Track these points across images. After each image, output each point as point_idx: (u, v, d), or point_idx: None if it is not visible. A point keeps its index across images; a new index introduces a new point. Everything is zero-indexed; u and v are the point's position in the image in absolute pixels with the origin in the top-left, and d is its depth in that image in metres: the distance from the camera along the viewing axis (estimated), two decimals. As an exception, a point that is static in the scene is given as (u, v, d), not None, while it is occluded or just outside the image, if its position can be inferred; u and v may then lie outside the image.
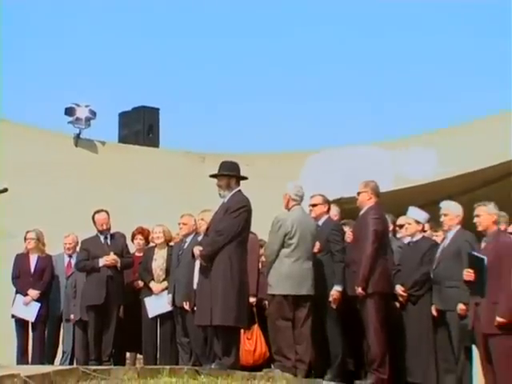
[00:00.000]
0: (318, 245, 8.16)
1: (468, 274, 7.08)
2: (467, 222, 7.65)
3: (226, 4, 29.35)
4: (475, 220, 7.26)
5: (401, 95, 30.45)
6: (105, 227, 9.39)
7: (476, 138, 12.88)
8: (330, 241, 8.24)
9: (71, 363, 9.62)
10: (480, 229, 7.26)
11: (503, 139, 12.43)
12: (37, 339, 9.88)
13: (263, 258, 8.70)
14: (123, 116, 15.16)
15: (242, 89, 30.91)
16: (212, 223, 7.82)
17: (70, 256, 10.20)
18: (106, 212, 9.45)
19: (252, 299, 8.48)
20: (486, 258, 6.99)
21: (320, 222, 8.36)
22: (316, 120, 29.87)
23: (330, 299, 8.06)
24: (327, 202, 8.56)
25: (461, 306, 7.44)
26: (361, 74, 30.41)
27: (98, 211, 9.47)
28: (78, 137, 13.78)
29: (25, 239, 10.01)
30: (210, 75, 30.82)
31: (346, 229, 8.50)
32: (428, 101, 29.79)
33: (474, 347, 7.46)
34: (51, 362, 9.81)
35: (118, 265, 9.29)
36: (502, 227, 7.69)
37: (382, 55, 30.37)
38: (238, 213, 7.63)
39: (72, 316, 9.71)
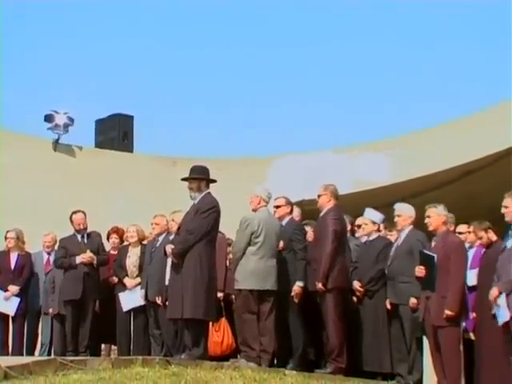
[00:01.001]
0: (281, 243, 8.18)
1: (419, 271, 7.16)
2: (419, 223, 7.72)
3: (196, 15, 29.36)
4: (426, 221, 7.33)
5: (360, 103, 30.67)
6: (82, 227, 9.35)
7: (428, 144, 13.02)
8: (293, 240, 8.26)
9: (49, 354, 9.55)
10: (430, 229, 7.33)
11: (452, 146, 12.59)
12: (17, 332, 9.82)
13: (231, 256, 8.70)
14: (99, 123, 15.10)
15: (212, 97, 30.93)
16: (183, 223, 7.81)
17: (49, 253, 10.13)
18: (83, 212, 9.41)
19: (220, 294, 8.48)
20: (435, 255, 7.07)
21: (283, 222, 8.38)
22: (280, 127, 30.00)
23: (293, 294, 8.08)
24: (290, 204, 8.59)
25: (413, 300, 7.50)
26: (323, 82, 30.61)
27: (75, 212, 9.43)
28: (56, 142, 13.72)
29: (5, 238, 9.94)
30: (181, 84, 30.81)
31: (308, 229, 8.52)
32: (385, 109, 30.07)
33: (424, 338, 7.53)
34: (30, 354, 9.72)
35: (94, 262, 9.25)
36: (450, 227, 7.78)
37: (344, 63, 30.58)
38: (208, 213, 7.63)
39: (51, 310, 9.65)
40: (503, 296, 6.53)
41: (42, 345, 9.99)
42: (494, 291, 6.62)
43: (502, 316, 6.55)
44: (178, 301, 7.52)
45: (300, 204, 9.69)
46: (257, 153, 15.48)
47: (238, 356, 8.12)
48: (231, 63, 31.03)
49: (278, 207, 8.48)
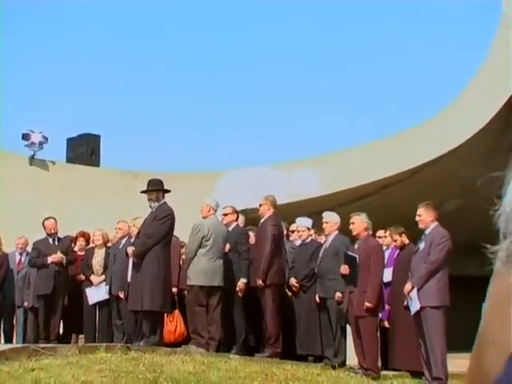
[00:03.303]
0: (228, 246, 8.19)
1: (344, 269, 7.23)
2: (344, 228, 7.80)
3: (156, 45, 29.25)
4: (350, 226, 7.41)
5: (294, 125, 31.04)
6: (53, 231, 9.24)
7: (352, 162, 13.16)
8: (238, 243, 8.27)
9: (24, 342, 9.36)
10: (354, 233, 7.42)
11: (373, 164, 12.76)
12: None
13: (184, 256, 8.67)
14: (70, 141, 14.88)
15: (168, 119, 30.94)
16: (142, 228, 7.77)
17: (21, 254, 10.00)
18: (54, 219, 9.31)
19: (174, 289, 8.44)
20: (357, 256, 7.15)
21: (230, 228, 8.39)
22: (227, 146, 30.12)
23: (237, 289, 8.08)
24: (236, 212, 8.61)
25: (338, 294, 7.57)
26: (264, 107, 30.84)
27: (47, 218, 9.32)
28: (32, 157, 13.49)
29: (-16, 241, 9.74)
30: (142, 107, 30.70)
31: (251, 233, 8.54)
32: (315, 130, 30.47)
33: (348, 326, 7.61)
34: (7, 342, 9.52)
35: (64, 261, 9.13)
36: (370, 232, 7.87)
37: (277, 89, 30.84)
38: (164, 220, 7.63)
39: (26, 303, 9.50)
40: (415, 290, 6.64)
41: (17, 334, 9.82)
42: (407, 286, 6.73)
43: (414, 306, 6.66)
44: (138, 295, 7.48)
45: (244, 212, 9.69)
46: (207, 168, 15.43)
47: (189, 343, 8.08)
48: (186, 87, 31.07)
49: (225, 215, 8.49)
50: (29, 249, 9.83)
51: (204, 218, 8.14)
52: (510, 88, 11.17)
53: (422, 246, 6.84)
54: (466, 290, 10.57)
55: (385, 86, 31.35)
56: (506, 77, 11.30)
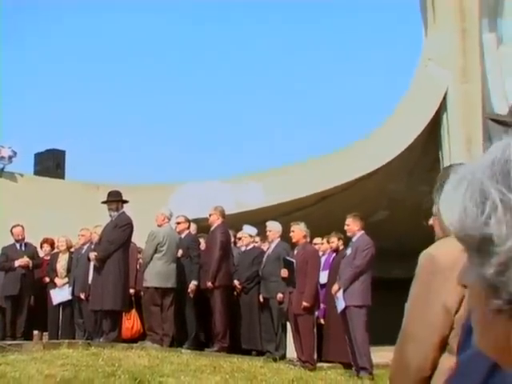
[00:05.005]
0: (180, 251, 8.15)
1: (284, 272, 7.27)
2: (285, 236, 7.84)
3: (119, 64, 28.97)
4: (291, 234, 7.47)
5: (237, 141, 31.23)
6: (20, 237, 9.07)
7: (293, 176, 13.24)
8: (190, 248, 8.26)
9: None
10: (294, 240, 7.48)
11: (312, 178, 12.87)
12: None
13: (140, 260, 8.58)
14: (37, 155, 14.60)
15: (127, 137, 30.73)
16: (103, 235, 7.72)
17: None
18: (22, 226, 9.14)
19: (131, 290, 8.34)
20: (295, 261, 7.20)
21: (183, 235, 8.37)
22: (180, 160, 30.09)
23: (189, 291, 8.05)
24: (188, 221, 8.59)
25: (279, 295, 7.62)
26: (214, 127, 30.91)
27: (15, 226, 9.15)
28: (2, 170, 13.16)
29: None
30: (104, 125, 30.42)
31: (201, 240, 8.53)
32: (260, 147, 30.72)
33: (288, 323, 7.63)
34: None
35: (30, 265, 8.95)
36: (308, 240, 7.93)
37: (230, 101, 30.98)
38: (125, 228, 7.62)
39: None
40: (341, 291, 6.72)
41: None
42: (335, 287, 6.82)
43: (340, 305, 6.75)
44: (98, 296, 7.42)
45: (196, 221, 9.64)
46: (162, 181, 15.33)
47: (145, 339, 7.98)
48: (144, 107, 30.90)
49: (178, 223, 8.47)
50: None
51: (159, 226, 8.10)
52: (431, 113, 11.47)
53: (348, 251, 6.96)
54: (391, 290, 10.73)
55: (320, 108, 31.82)
56: (428, 102, 11.59)
